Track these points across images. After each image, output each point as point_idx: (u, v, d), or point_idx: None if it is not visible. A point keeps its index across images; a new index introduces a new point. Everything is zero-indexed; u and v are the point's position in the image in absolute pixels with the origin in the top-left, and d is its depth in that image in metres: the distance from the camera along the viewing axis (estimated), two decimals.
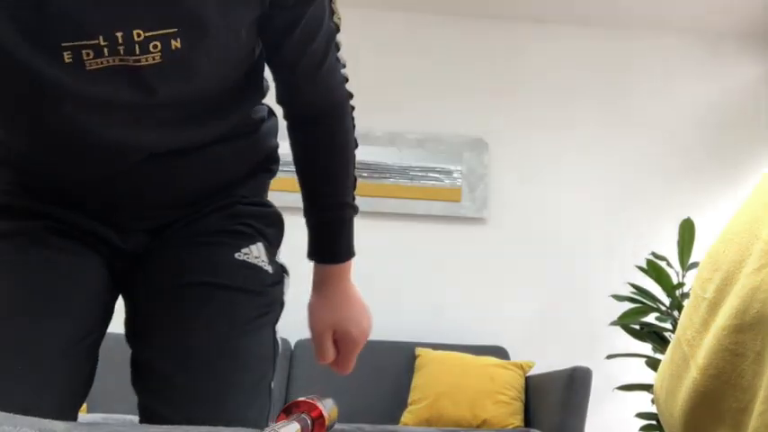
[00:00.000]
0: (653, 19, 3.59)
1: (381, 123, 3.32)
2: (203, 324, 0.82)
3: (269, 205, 0.96)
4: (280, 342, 0.87)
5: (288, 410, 0.67)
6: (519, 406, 2.71)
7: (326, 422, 0.68)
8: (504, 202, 3.37)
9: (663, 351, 2.47)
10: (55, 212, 0.83)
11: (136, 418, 2.43)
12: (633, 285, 2.62)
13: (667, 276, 2.53)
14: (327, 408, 0.70)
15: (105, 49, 0.69)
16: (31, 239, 0.80)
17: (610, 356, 2.55)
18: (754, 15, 3.53)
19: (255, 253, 0.86)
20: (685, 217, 2.64)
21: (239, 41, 0.77)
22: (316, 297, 0.92)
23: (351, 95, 0.91)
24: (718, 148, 3.51)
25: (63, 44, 0.68)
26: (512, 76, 3.57)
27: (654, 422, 2.45)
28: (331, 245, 0.91)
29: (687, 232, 2.60)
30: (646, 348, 2.62)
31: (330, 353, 0.88)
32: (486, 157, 3.38)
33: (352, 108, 0.92)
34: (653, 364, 2.50)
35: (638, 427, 2.50)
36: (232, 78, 0.82)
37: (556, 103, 3.54)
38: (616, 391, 2.58)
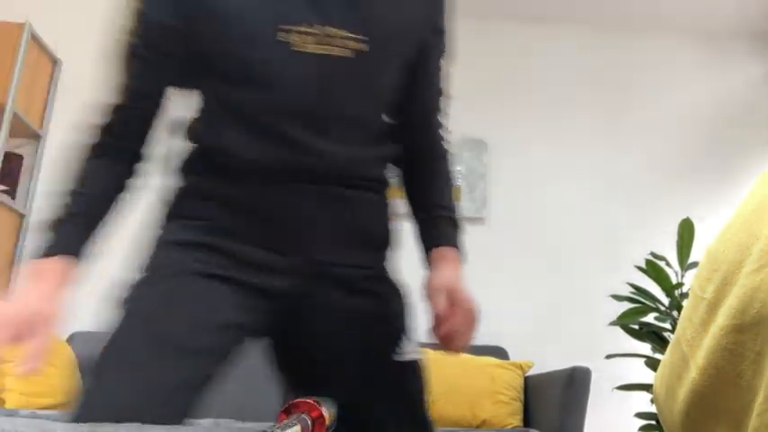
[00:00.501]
0: (653, 19, 3.59)
1: None
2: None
3: (398, 284, 1.05)
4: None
5: (288, 411, 0.67)
6: (518, 406, 2.71)
7: (326, 422, 0.68)
8: (503, 202, 3.37)
9: (662, 351, 2.47)
10: (226, 246, 0.92)
11: None
12: (632, 285, 2.62)
13: (667, 276, 2.53)
14: (327, 408, 0.70)
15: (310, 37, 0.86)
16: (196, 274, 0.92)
17: (609, 356, 2.55)
18: (755, 15, 3.53)
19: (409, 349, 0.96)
20: (685, 217, 2.64)
21: (402, 64, 0.95)
22: (433, 271, 0.98)
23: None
24: (718, 148, 3.51)
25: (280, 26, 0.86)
26: (512, 77, 3.57)
27: (653, 422, 2.45)
28: (448, 234, 1.02)
29: (686, 232, 2.60)
30: (645, 348, 2.62)
31: (442, 304, 0.91)
32: (485, 157, 3.38)
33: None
34: (652, 364, 2.50)
35: (638, 427, 2.50)
36: (387, 105, 0.98)
37: (555, 104, 3.54)
38: (615, 391, 2.58)
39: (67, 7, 3.49)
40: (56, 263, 0.91)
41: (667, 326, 2.48)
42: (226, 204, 0.94)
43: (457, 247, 1.02)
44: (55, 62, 3.34)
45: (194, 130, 1.08)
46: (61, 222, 0.95)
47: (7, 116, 2.94)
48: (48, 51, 3.27)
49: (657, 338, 2.50)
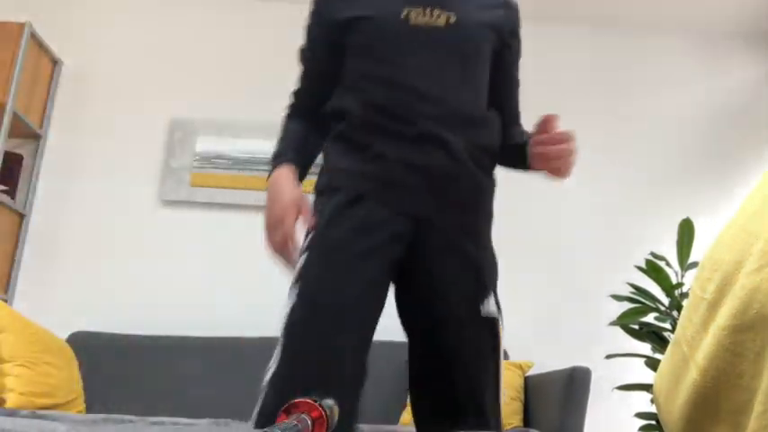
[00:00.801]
0: (653, 19, 3.59)
1: None
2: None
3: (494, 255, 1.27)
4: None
5: (288, 410, 0.67)
6: (518, 406, 2.70)
7: (326, 422, 0.68)
8: (503, 201, 3.36)
9: (662, 351, 2.47)
10: (372, 193, 1.12)
11: (136, 418, 2.42)
12: (632, 285, 2.62)
13: (666, 276, 2.53)
14: (327, 408, 0.70)
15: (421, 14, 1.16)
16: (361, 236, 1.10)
17: (609, 356, 2.55)
18: (754, 15, 3.53)
19: (491, 306, 1.15)
20: (685, 217, 2.64)
21: (488, 48, 1.23)
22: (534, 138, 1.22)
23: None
24: (718, 148, 3.51)
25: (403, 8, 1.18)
26: None
27: (653, 422, 2.45)
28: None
29: (686, 232, 2.60)
30: (645, 348, 2.62)
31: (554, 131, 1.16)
32: None
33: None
34: (652, 364, 2.50)
35: (638, 427, 2.50)
36: (486, 83, 1.24)
37: (555, 103, 3.52)
38: (615, 391, 2.58)
39: (67, 7, 3.49)
40: (286, 168, 1.18)
41: (667, 326, 2.48)
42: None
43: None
44: (55, 62, 3.34)
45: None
46: (280, 151, 1.24)
47: (7, 116, 2.94)
48: (48, 51, 3.27)
49: (657, 338, 2.50)
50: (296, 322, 1.07)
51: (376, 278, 1.09)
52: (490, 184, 1.26)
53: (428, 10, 1.16)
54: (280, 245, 1.09)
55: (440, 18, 1.16)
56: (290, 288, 1.10)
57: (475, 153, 1.18)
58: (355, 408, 1.08)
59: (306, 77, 1.36)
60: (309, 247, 1.10)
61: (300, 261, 1.10)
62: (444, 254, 1.13)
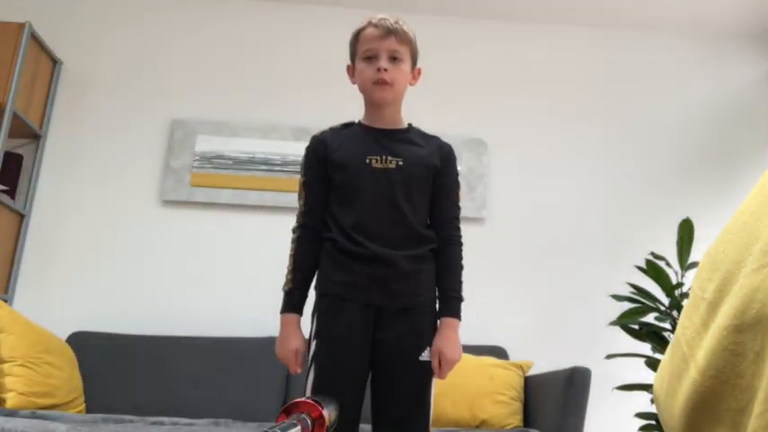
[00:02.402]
0: (653, 19, 3.59)
1: None
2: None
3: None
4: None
5: (288, 411, 0.67)
6: (518, 406, 2.70)
7: (326, 422, 0.68)
8: (503, 202, 3.37)
9: (662, 351, 2.47)
10: (349, 293, 1.59)
11: (136, 418, 2.43)
12: (632, 285, 2.62)
13: (666, 276, 2.53)
14: (327, 408, 0.70)
15: (374, 160, 1.64)
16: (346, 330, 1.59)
17: (609, 356, 2.55)
18: (754, 15, 3.53)
19: (425, 354, 1.60)
20: (685, 217, 2.64)
21: (427, 183, 1.68)
22: (437, 336, 1.61)
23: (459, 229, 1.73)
24: (718, 148, 3.51)
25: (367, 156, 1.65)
26: (512, 77, 3.57)
27: (653, 422, 2.46)
28: (453, 309, 1.63)
29: (686, 232, 2.60)
30: (645, 348, 2.62)
31: (435, 362, 1.58)
32: (485, 157, 3.38)
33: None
34: (652, 364, 2.50)
35: (638, 428, 2.50)
36: (426, 206, 1.68)
37: (555, 103, 3.54)
38: (615, 391, 2.58)
39: (67, 7, 3.49)
40: (295, 317, 1.63)
41: (667, 326, 2.48)
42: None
43: (457, 316, 1.62)
44: (55, 62, 3.34)
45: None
46: (293, 288, 1.65)
47: (7, 116, 2.94)
48: (48, 51, 3.27)
49: (657, 338, 2.50)
50: (318, 386, 1.56)
51: (364, 353, 1.58)
52: (428, 272, 1.65)
53: (383, 157, 1.63)
54: (285, 363, 1.63)
55: (391, 163, 1.63)
56: (309, 364, 1.59)
57: (413, 260, 1.60)
58: None
59: (307, 203, 1.69)
60: (318, 336, 1.58)
61: (312, 346, 1.59)
62: (395, 324, 1.59)
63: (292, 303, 1.64)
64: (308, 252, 1.67)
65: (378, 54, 1.64)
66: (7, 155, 3.04)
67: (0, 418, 2.00)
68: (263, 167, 3.27)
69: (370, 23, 1.68)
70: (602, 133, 3.51)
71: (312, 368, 1.58)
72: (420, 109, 3.72)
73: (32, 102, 3.17)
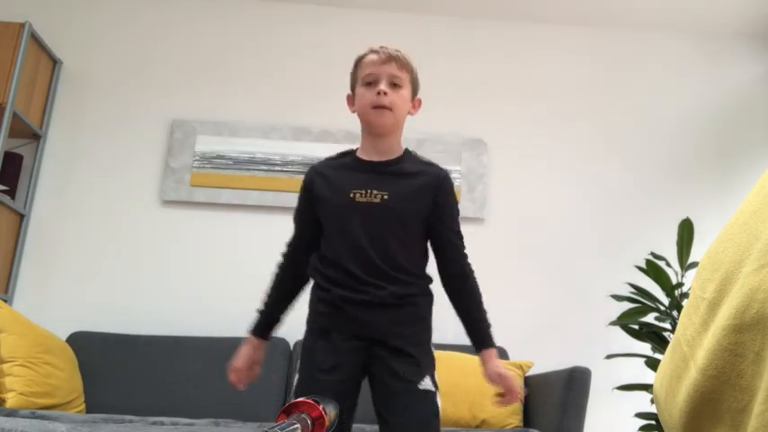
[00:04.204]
0: (653, 19, 3.59)
1: None
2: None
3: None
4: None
5: (288, 411, 0.67)
6: (518, 406, 2.70)
7: (326, 422, 0.68)
8: (503, 202, 3.37)
9: (662, 351, 2.47)
10: (338, 328, 1.59)
11: (136, 418, 2.43)
12: (632, 285, 2.62)
13: (666, 276, 2.53)
14: (327, 408, 0.70)
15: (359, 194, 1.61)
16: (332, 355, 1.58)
17: (609, 356, 2.55)
18: (754, 15, 3.53)
19: (426, 383, 1.60)
20: (685, 217, 2.64)
21: (417, 216, 1.63)
22: (487, 363, 1.66)
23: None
24: (718, 148, 3.51)
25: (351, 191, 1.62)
26: (512, 76, 3.57)
27: (653, 422, 2.46)
28: (489, 338, 1.65)
29: (686, 232, 2.60)
30: (645, 348, 2.62)
31: (497, 383, 1.64)
32: (485, 157, 3.38)
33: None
34: (652, 364, 2.50)
35: (638, 428, 2.50)
36: (416, 241, 1.65)
37: (555, 103, 3.54)
38: (615, 391, 2.58)
39: (67, 7, 3.49)
40: (250, 341, 1.73)
41: (667, 326, 2.48)
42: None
43: (493, 345, 1.64)
44: (55, 62, 3.34)
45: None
46: (262, 310, 1.76)
47: (7, 116, 2.94)
48: (48, 51, 3.27)
49: (657, 338, 2.50)
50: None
51: (344, 385, 1.56)
52: (414, 309, 1.64)
53: (367, 191, 1.61)
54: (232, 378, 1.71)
55: (376, 197, 1.60)
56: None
57: (398, 294, 1.58)
58: None
59: (294, 232, 1.73)
60: (299, 370, 1.61)
61: (295, 380, 1.61)
62: (388, 355, 1.58)
63: (254, 324, 1.74)
64: (282, 278, 1.73)
65: (378, 79, 1.62)
66: (7, 155, 3.04)
67: (0, 418, 2.00)
68: (263, 167, 3.27)
69: (371, 50, 1.67)
70: (601, 133, 3.51)
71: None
72: (421, 108, 3.71)
73: (32, 102, 3.17)
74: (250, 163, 3.27)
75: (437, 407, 1.60)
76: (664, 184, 3.44)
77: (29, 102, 3.14)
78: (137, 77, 3.41)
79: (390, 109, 1.61)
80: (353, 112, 1.69)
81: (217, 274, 3.17)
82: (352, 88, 1.70)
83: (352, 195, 1.61)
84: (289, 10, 3.58)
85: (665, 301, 2.55)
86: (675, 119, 3.55)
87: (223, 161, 3.27)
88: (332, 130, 3.28)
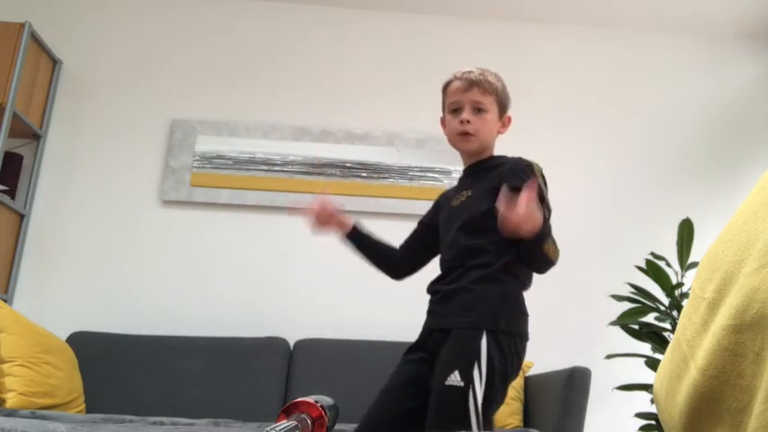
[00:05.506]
0: (652, 19, 3.59)
1: (380, 123, 3.32)
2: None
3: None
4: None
5: (288, 411, 0.67)
6: (518, 406, 2.71)
7: (326, 422, 0.68)
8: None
9: (662, 351, 2.47)
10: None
11: (136, 418, 2.42)
12: (632, 285, 2.62)
13: (666, 276, 2.53)
14: (327, 408, 0.70)
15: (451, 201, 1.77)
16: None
17: (609, 356, 2.55)
18: (755, 15, 3.53)
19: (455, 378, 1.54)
20: (685, 217, 2.64)
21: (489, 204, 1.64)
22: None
23: None
24: (718, 148, 3.51)
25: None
26: (511, 77, 3.56)
27: (653, 422, 2.46)
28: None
29: (686, 232, 2.60)
30: (645, 348, 2.62)
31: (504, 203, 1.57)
32: None
33: None
34: (652, 364, 2.50)
35: (638, 427, 2.50)
36: (488, 231, 1.67)
37: (555, 103, 3.54)
38: (615, 391, 2.58)
39: (67, 7, 3.49)
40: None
41: (667, 326, 2.48)
42: None
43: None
44: (55, 62, 3.34)
45: None
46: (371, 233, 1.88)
47: (7, 116, 2.94)
48: (48, 51, 3.27)
49: (657, 338, 2.50)
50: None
51: (412, 376, 1.62)
52: (485, 300, 1.66)
53: (460, 193, 1.74)
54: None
55: (463, 197, 1.72)
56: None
57: (468, 287, 1.62)
58: None
59: (410, 234, 1.90)
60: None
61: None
62: (439, 347, 1.60)
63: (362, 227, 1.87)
64: (389, 248, 1.89)
65: (462, 106, 1.71)
66: (7, 155, 3.04)
67: (0, 418, 2.00)
68: (263, 167, 3.26)
69: (455, 77, 1.76)
70: (601, 133, 3.51)
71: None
72: (419, 109, 3.71)
73: (32, 102, 3.17)
74: (250, 163, 3.27)
75: (468, 400, 1.58)
76: (664, 184, 3.44)
77: (29, 102, 3.14)
78: (137, 77, 3.41)
79: (474, 135, 1.71)
80: (446, 135, 1.81)
81: (217, 274, 3.17)
82: (444, 111, 1.81)
83: (450, 201, 1.82)
84: (289, 10, 3.58)
85: (665, 301, 2.55)
86: (675, 119, 3.55)
87: (223, 161, 3.27)
88: (332, 130, 3.27)
